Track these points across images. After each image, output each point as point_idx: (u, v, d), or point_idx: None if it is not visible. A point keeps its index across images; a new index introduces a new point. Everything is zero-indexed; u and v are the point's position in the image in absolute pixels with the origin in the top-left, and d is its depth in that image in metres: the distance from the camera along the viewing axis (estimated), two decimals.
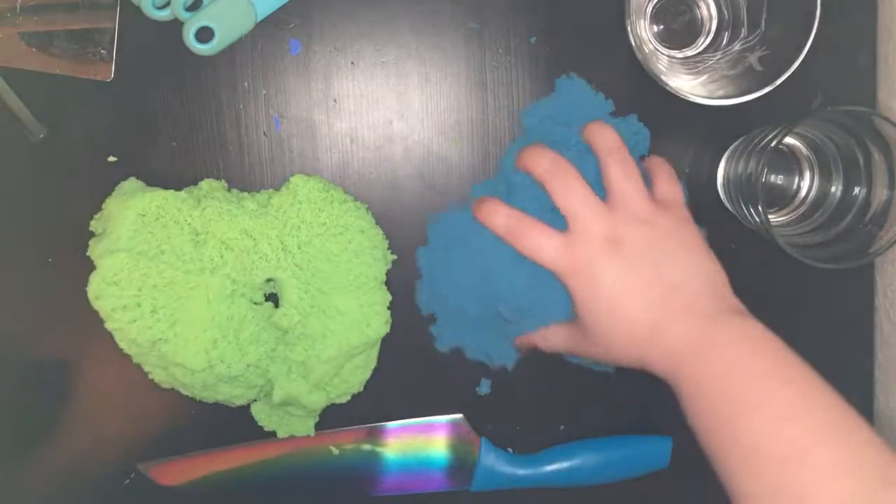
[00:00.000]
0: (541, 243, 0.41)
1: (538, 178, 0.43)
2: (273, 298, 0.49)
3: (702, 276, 0.41)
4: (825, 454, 0.34)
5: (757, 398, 0.36)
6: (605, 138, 0.43)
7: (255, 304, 0.47)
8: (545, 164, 0.43)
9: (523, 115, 0.49)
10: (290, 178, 0.47)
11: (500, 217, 0.43)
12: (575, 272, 0.41)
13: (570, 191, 0.42)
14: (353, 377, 0.49)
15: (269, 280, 0.47)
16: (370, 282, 0.48)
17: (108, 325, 0.45)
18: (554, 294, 0.43)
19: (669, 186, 0.44)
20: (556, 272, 0.42)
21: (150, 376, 0.48)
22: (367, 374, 0.50)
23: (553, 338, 0.45)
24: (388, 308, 0.48)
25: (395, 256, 0.49)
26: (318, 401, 0.48)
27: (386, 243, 0.49)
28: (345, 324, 0.47)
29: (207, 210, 0.46)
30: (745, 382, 0.36)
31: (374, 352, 0.50)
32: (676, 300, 0.40)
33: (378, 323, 0.47)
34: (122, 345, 0.46)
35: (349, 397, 0.50)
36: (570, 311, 0.44)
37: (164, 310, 0.45)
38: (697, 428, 0.38)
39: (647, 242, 0.41)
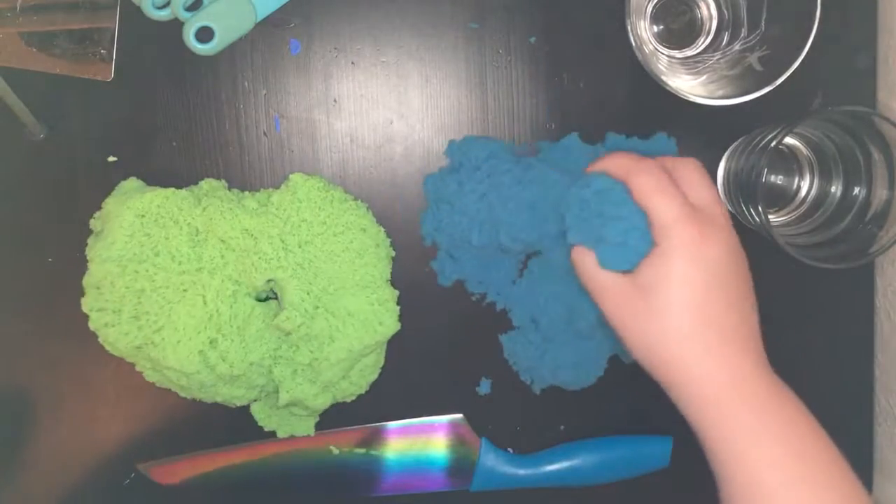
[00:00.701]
0: (662, 186, 0.38)
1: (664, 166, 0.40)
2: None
3: (756, 319, 0.39)
4: None
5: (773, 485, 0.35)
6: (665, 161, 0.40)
7: (260, 301, 0.47)
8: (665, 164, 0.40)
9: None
10: (290, 176, 0.47)
11: (624, 156, 0.40)
12: (685, 225, 0.37)
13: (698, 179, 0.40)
14: (362, 379, 0.49)
15: (269, 281, 0.47)
16: (377, 280, 0.48)
17: (90, 325, 0.46)
18: (553, 229, 0.42)
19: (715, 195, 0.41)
20: (660, 218, 0.37)
21: (144, 377, 0.48)
22: (375, 375, 0.50)
23: (597, 272, 0.39)
24: (398, 304, 0.48)
25: (394, 253, 0.49)
26: (325, 403, 0.48)
27: (388, 241, 0.49)
28: (356, 324, 0.47)
29: (209, 209, 0.46)
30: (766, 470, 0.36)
31: (382, 352, 0.50)
32: (744, 332, 0.38)
33: (391, 320, 0.48)
34: (106, 346, 0.46)
35: (354, 397, 0.50)
36: (566, 252, 0.42)
37: (148, 316, 0.45)
38: (713, 465, 0.37)
39: (744, 264, 0.39)
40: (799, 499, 0.35)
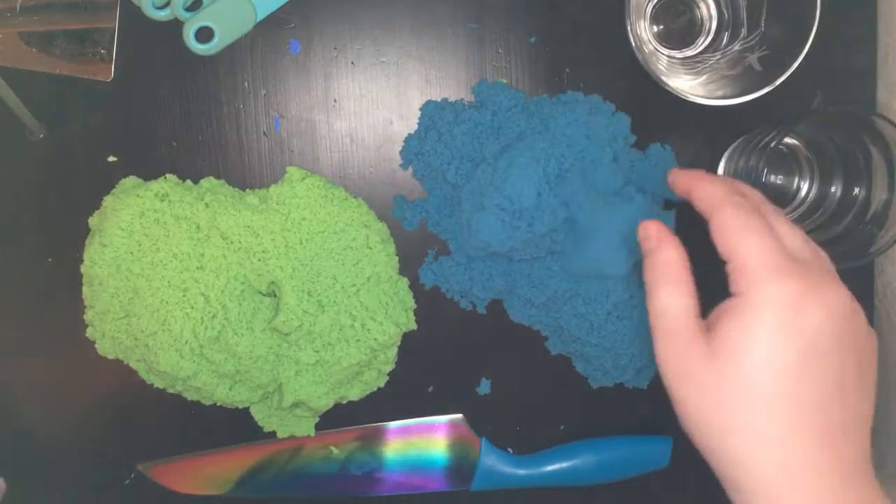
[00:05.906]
0: (754, 225, 0.31)
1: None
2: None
3: (867, 416, 0.31)
4: None
5: None
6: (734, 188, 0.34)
7: (267, 296, 0.47)
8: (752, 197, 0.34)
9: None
10: (287, 169, 0.48)
11: (717, 182, 0.33)
12: (781, 277, 0.29)
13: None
14: (375, 381, 0.49)
15: (271, 283, 0.47)
16: (391, 273, 0.48)
17: (85, 316, 0.47)
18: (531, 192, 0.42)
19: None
20: (748, 262, 0.30)
21: (141, 376, 0.48)
22: (385, 378, 0.50)
23: (666, 304, 0.32)
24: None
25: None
26: (329, 403, 0.48)
27: (392, 238, 0.49)
28: (378, 317, 0.47)
29: (213, 204, 0.46)
30: None
31: (396, 349, 0.50)
32: (841, 436, 0.30)
33: (413, 305, 0.49)
34: (96, 345, 0.47)
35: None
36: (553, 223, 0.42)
37: (140, 318, 0.45)
38: None
39: (858, 340, 0.31)
40: None
